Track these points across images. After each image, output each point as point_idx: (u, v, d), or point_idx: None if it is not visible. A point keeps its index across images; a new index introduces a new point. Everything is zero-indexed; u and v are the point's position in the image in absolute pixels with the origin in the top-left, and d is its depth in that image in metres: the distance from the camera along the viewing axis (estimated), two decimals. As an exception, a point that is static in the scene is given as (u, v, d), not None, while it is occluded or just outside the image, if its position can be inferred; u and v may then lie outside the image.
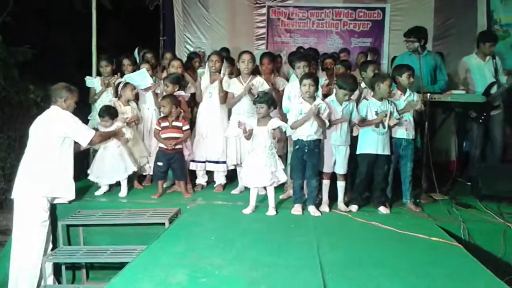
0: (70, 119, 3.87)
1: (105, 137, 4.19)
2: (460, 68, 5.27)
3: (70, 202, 4.04)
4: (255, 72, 4.59)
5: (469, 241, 3.67)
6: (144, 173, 4.88)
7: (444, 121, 4.96)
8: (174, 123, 4.37)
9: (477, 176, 4.62)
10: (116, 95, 4.71)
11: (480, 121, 4.93)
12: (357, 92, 4.23)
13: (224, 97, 4.59)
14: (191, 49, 7.28)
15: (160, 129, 4.39)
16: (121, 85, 4.67)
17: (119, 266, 3.00)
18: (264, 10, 7.64)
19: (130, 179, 4.54)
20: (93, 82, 4.95)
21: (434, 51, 5.70)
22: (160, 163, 4.38)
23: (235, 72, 4.98)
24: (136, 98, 4.70)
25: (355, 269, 2.75)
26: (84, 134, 3.91)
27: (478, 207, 4.20)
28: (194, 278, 2.54)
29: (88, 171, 4.45)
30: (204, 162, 4.71)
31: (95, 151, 4.56)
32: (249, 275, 2.62)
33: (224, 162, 4.68)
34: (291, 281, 2.55)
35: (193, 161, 4.71)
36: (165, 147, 4.34)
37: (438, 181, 4.53)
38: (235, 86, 4.49)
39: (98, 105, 4.84)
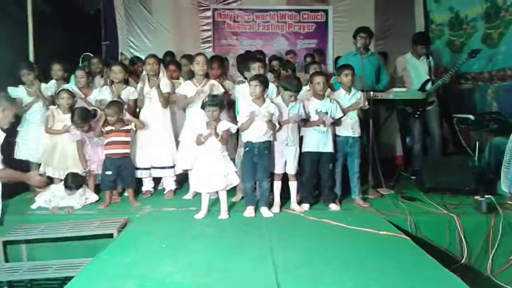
0: None
1: (8, 177, 3.69)
2: (397, 66, 5.49)
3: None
4: (208, 75, 4.53)
5: (415, 233, 3.78)
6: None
7: (387, 118, 5.12)
8: (123, 128, 4.23)
9: (420, 170, 4.82)
10: (54, 103, 4.52)
11: (416, 116, 5.15)
12: (303, 93, 4.28)
13: (165, 101, 4.50)
14: (136, 54, 7.13)
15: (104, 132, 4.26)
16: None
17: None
18: (209, 13, 7.63)
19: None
20: (18, 92, 4.66)
21: (376, 51, 5.91)
22: (109, 172, 4.22)
23: (186, 75, 4.90)
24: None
25: (307, 268, 2.77)
26: None
27: (423, 199, 4.35)
28: (144, 288, 2.46)
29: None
30: (148, 168, 4.58)
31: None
32: (201, 281, 2.57)
33: (171, 167, 4.58)
34: (244, 285, 2.52)
35: (137, 168, 4.57)
36: (112, 153, 4.21)
37: (384, 176, 4.69)
38: (188, 88, 4.39)
39: (29, 116, 4.62)
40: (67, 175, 4.21)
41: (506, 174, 3.08)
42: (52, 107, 4.51)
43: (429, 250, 3.15)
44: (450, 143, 6.00)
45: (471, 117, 4.87)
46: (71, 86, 4.79)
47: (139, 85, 4.62)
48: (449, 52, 6.71)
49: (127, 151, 4.30)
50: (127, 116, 4.28)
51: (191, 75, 4.60)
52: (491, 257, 3.71)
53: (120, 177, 4.32)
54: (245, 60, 4.54)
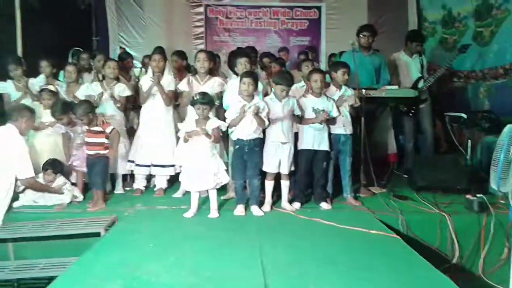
0: (22, 146, 3.78)
1: (40, 188, 4.02)
2: (389, 64, 5.46)
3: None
4: (212, 71, 4.51)
5: (407, 232, 3.76)
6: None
7: (380, 116, 5.09)
8: (93, 128, 4.11)
9: (412, 168, 4.80)
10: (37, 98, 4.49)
11: (410, 114, 5.14)
12: (295, 89, 4.23)
13: (169, 98, 4.45)
14: (127, 50, 7.05)
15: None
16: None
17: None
18: (201, 9, 7.59)
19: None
20: (5, 87, 4.63)
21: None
22: (87, 170, 4.18)
23: (176, 72, 4.85)
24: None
25: (296, 267, 2.73)
26: (24, 169, 3.75)
27: (415, 198, 4.32)
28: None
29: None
30: (148, 166, 4.53)
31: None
32: (189, 280, 2.52)
33: (172, 166, 4.50)
34: (231, 284, 2.48)
35: (137, 165, 4.53)
36: (88, 153, 4.13)
37: (377, 174, 4.67)
38: (189, 85, 4.34)
39: None
40: (47, 160, 4.18)
41: (494, 171, 3.04)
42: (34, 103, 4.45)
43: (420, 250, 3.13)
44: (443, 142, 5.99)
45: (463, 115, 4.84)
46: (60, 83, 4.74)
47: (146, 82, 4.50)
48: (442, 50, 6.70)
49: (100, 152, 4.12)
50: (101, 119, 4.17)
51: (194, 72, 4.55)
52: (482, 256, 3.70)
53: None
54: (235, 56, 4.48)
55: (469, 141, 4.61)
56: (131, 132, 4.80)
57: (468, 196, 3.99)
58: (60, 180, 4.15)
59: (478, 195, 3.92)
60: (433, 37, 6.90)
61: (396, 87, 4.87)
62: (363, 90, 4.44)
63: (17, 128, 3.80)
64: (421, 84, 5.19)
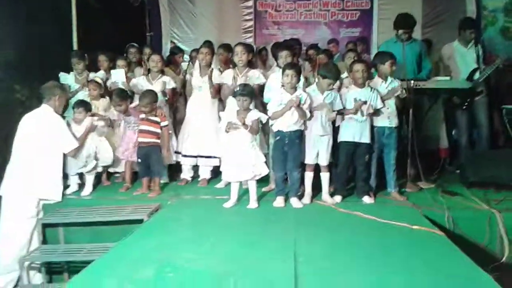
0: (59, 122, 4.04)
1: (82, 140, 4.25)
2: (442, 54, 5.21)
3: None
4: (251, 63, 4.54)
5: (453, 229, 3.59)
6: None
7: (430, 108, 4.86)
8: (151, 117, 4.27)
9: (464, 163, 4.56)
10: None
11: (464, 107, 4.87)
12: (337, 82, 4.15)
13: (215, 91, 4.53)
14: (179, 44, 7.23)
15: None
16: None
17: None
18: (251, 3, 7.61)
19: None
20: (67, 78, 4.91)
21: (424, 39, 5.64)
22: (139, 160, 4.31)
23: (222, 65, 4.91)
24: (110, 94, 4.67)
25: (329, 260, 2.68)
26: (67, 142, 4.05)
27: (465, 194, 4.11)
28: (161, 273, 2.47)
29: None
30: (194, 157, 4.65)
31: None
32: (219, 268, 2.56)
33: (216, 157, 4.58)
34: (261, 273, 2.49)
35: (184, 155, 4.66)
36: (141, 141, 4.27)
37: (428, 169, 4.48)
38: (229, 77, 4.42)
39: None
40: (77, 100, 4.45)
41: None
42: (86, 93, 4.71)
43: (467, 247, 2.97)
44: (501, 135, 5.64)
45: (519, 108, 4.53)
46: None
47: (188, 75, 4.69)
48: (503, 39, 6.30)
49: (155, 140, 4.28)
50: (160, 110, 4.34)
51: (234, 64, 4.59)
52: (536, 256, 3.46)
53: (150, 165, 4.35)
54: (276, 49, 4.47)
55: (527, 135, 4.31)
56: (175, 122, 4.94)
57: (521, 192, 3.74)
58: (88, 119, 4.33)
59: (532, 192, 3.66)
60: (493, 26, 6.50)
61: (448, 78, 4.64)
62: (412, 81, 4.27)
63: (51, 107, 4.04)
64: (476, 75, 4.91)
